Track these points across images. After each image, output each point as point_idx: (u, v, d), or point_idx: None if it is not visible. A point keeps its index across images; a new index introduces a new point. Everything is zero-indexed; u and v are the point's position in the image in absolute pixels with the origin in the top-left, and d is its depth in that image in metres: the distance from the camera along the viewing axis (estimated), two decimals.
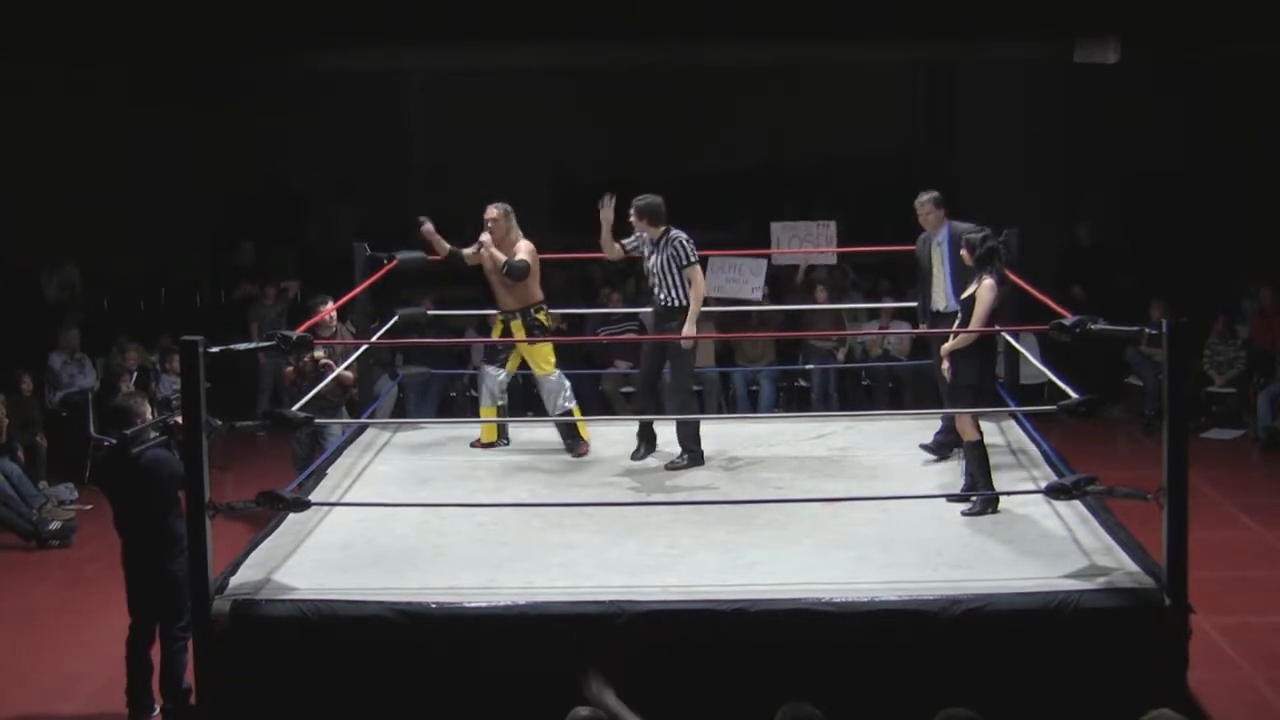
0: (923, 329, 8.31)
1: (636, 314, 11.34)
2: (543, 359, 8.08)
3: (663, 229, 7.76)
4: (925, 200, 7.88)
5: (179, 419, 6.16)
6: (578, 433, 8.05)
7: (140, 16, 12.42)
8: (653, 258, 7.81)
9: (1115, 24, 12.74)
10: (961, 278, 7.53)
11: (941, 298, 7.82)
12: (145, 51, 12.87)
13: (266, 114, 14.40)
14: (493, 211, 8.09)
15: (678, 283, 7.75)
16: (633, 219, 7.80)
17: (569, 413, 8.04)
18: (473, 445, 8.22)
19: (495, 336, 8.23)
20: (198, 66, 13.26)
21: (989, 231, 6.88)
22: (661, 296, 7.82)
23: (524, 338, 8.05)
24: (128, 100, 14.04)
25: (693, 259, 7.73)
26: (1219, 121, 13.90)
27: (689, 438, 7.75)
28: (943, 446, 7.64)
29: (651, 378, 8.14)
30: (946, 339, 6.88)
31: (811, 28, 12.84)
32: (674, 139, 14.20)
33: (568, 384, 8.12)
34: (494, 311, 8.33)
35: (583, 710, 4.22)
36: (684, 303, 7.75)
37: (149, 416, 6.47)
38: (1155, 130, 14.19)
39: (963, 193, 14.17)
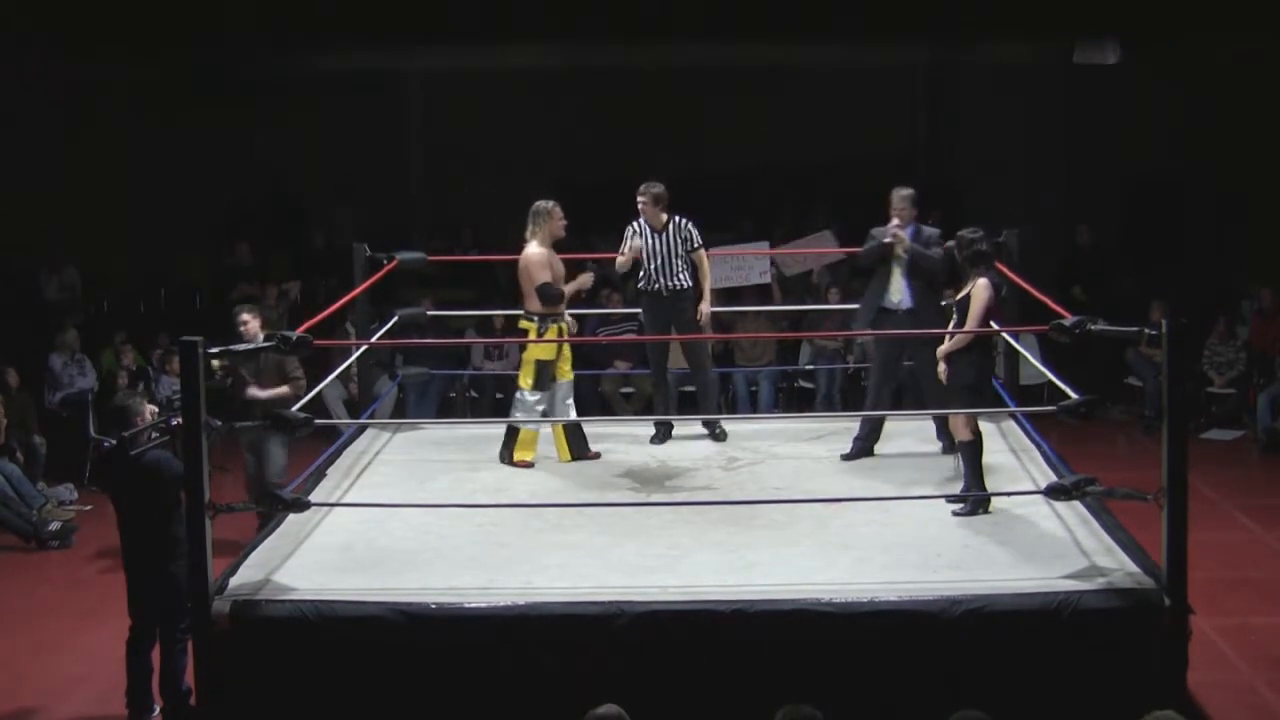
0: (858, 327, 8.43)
1: (636, 314, 11.35)
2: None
3: (666, 216, 8.11)
4: (905, 195, 7.81)
5: (178, 421, 6.16)
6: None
7: (141, 16, 12.43)
8: (655, 243, 8.08)
9: (1115, 24, 12.75)
10: (918, 279, 7.55)
11: (897, 293, 7.77)
12: (145, 51, 12.89)
13: (266, 114, 14.41)
14: None
15: (685, 266, 8.13)
16: (646, 204, 8.07)
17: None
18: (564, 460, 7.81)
19: (552, 336, 7.74)
20: (198, 66, 13.27)
21: (983, 232, 6.88)
22: (667, 281, 8.10)
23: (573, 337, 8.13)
24: (128, 100, 14.04)
25: (701, 241, 8.21)
26: (1219, 122, 13.89)
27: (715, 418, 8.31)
28: (862, 453, 7.74)
29: (665, 367, 8.43)
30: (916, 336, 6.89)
31: (811, 28, 12.84)
32: (673, 139, 14.19)
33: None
34: (495, 312, 8.24)
35: (600, 710, 4.22)
36: (690, 285, 8.13)
37: (149, 417, 6.46)
38: (1155, 130, 14.19)
39: (963, 193, 14.23)
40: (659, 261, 8.10)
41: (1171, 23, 12.56)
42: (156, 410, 6.65)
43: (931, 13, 12.80)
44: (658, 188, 8.09)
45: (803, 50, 13.49)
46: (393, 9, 12.72)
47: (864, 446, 7.75)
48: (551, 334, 7.71)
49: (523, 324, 7.83)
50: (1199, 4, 12.55)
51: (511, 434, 7.79)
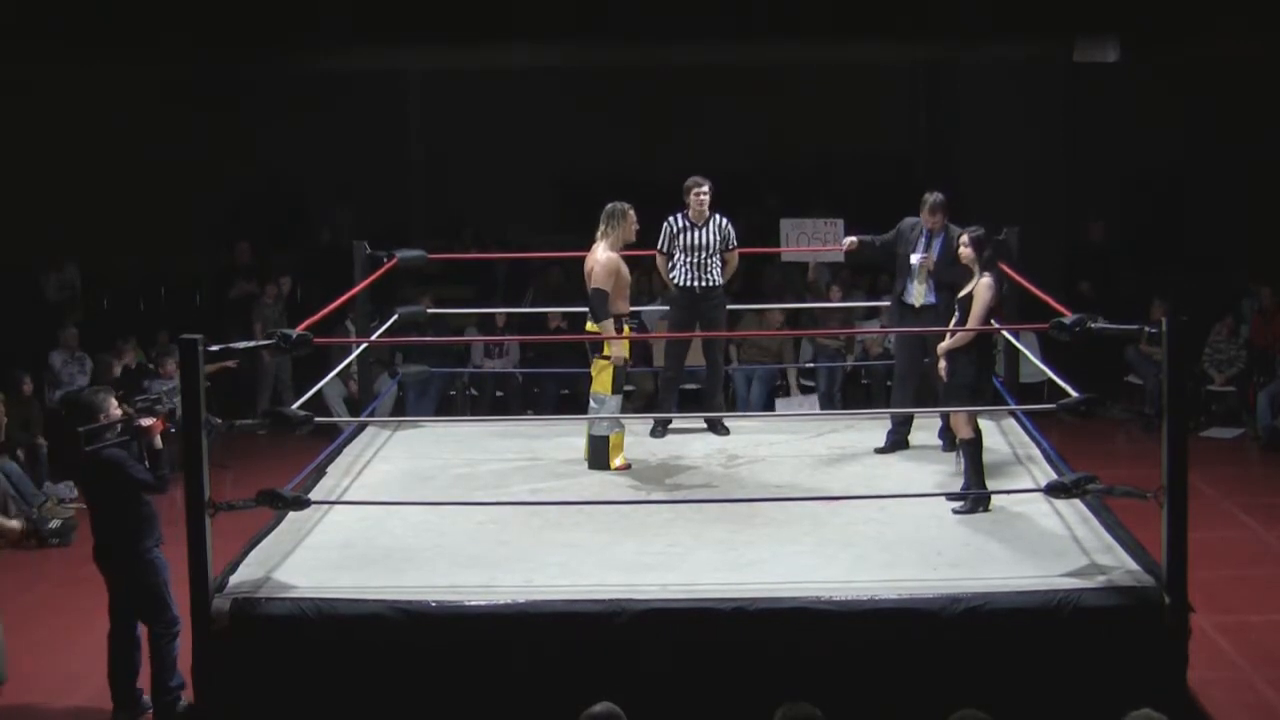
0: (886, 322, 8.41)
1: (637, 312, 11.34)
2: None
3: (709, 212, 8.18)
4: (931, 203, 7.77)
5: (142, 422, 6.11)
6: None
7: (142, 17, 12.44)
8: (696, 238, 8.11)
9: (1115, 24, 12.76)
10: (944, 288, 7.54)
11: (920, 296, 7.78)
12: (147, 51, 12.89)
13: (266, 114, 14.42)
14: None
15: (719, 263, 8.21)
16: (708, 197, 8.09)
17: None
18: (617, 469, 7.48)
19: (625, 337, 7.47)
20: (199, 66, 13.28)
21: (983, 231, 6.87)
22: (703, 276, 8.15)
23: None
24: (129, 100, 14.05)
25: (737, 242, 8.29)
26: (1219, 121, 13.90)
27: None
28: (896, 445, 7.77)
29: (683, 365, 8.54)
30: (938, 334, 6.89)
31: (811, 27, 12.85)
32: (673, 139, 14.20)
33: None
34: (495, 310, 8.20)
35: (595, 708, 4.22)
36: (721, 283, 8.21)
37: (114, 413, 6.38)
38: (1155, 130, 14.20)
39: (963, 193, 14.24)
40: (700, 256, 8.09)
41: (1171, 22, 12.56)
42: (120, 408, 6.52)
43: (931, 13, 12.81)
44: (709, 183, 8.11)
45: (803, 49, 13.50)
46: (393, 9, 12.73)
47: (897, 440, 7.78)
48: (625, 334, 7.42)
49: (594, 326, 7.40)
50: (1199, 4, 12.56)
51: (599, 444, 7.44)
